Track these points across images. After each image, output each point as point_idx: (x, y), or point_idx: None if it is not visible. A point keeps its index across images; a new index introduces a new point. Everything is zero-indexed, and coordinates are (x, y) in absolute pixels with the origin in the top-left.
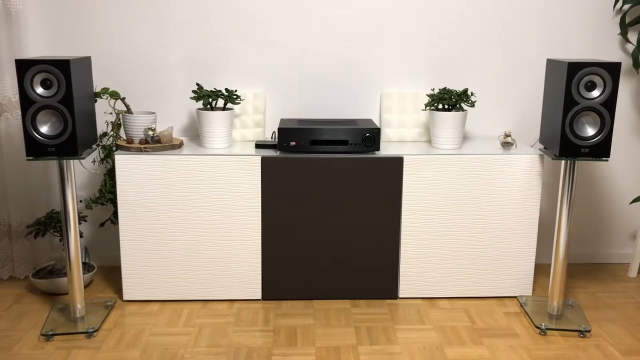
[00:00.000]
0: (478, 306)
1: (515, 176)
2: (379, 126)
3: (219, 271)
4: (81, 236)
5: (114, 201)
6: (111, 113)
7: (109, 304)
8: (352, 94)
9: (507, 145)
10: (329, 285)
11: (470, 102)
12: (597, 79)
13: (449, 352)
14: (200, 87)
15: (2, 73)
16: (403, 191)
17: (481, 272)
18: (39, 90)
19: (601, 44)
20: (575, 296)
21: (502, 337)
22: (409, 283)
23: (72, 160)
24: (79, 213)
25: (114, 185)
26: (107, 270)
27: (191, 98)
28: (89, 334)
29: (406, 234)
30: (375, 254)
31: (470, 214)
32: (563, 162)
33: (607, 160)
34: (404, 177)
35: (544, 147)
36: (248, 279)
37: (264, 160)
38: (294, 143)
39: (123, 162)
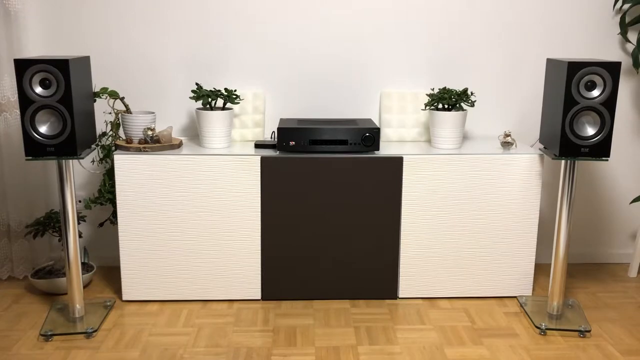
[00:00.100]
0: (478, 306)
1: (515, 176)
2: (378, 126)
3: (218, 271)
4: (80, 236)
5: (113, 201)
6: (110, 113)
7: (108, 304)
8: (352, 94)
9: (507, 145)
10: (328, 285)
11: (470, 101)
12: (597, 79)
13: (448, 352)
14: (199, 86)
15: (1, 73)
16: (403, 191)
17: (481, 272)
18: (38, 89)
19: (601, 43)
20: (575, 296)
21: (502, 337)
22: (408, 283)
23: (71, 160)
24: (78, 213)
25: (113, 185)
26: (106, 270)
27: (190, 98)
28: (88, 334)
29: (406, 234)
30: (375, 254)
31: (470, 213)
32: (563, 161)
33: (607, 160)
34: (403, 176)
35: (544, 147)
36: (247, 279)
37: (264, 160)
38: (294, 143)
39: (122, 162)
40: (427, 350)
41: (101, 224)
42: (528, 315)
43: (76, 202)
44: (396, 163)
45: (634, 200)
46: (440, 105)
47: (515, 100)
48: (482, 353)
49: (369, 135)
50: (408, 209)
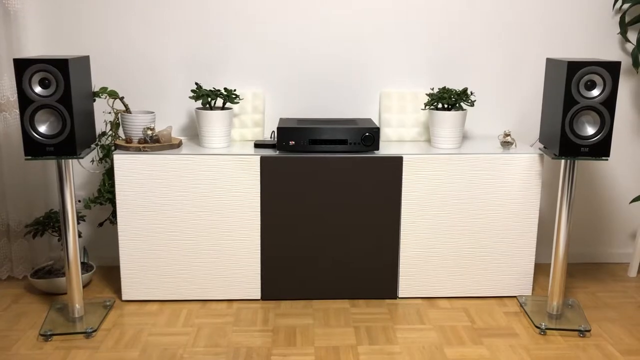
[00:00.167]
0: (478, 306)
1: (514, 176)
2: (378, 126)
3: (218, 271)
4: (80, 236)
5: (112, 201)
6: (110, 112)
7: (107, 304)
8: (352, 94)
9: (506, 144)
10: (328, 285)
11: (469, 101)
12: (597, 78)
13: (448, 352)
14: (199, 86)
15: (0, 72)
16: (402, 191)
17: (481, 271)
18: (37, 89)
19: (601, 43)
20: (575, 296)
21: (502, 337)
22: (408, 283)
23: (70, 160)
24: (77, 213)
25: (112, 185)
26: (105, 270)
27: (190, 97)
28: (87, 334)
29: (406, 234)
30: (374, 253)
31: (470, 213)
32: (563, 161)
33: (607, 160)
34: (403, 176)
35: (544, 147)
36: (247, 279)
37: (263, 160)
38: (293, 142)
39: (122, 161)
40: (426, 350)
41: (101, 224)
42: (528, 315)
43: (76, 201)
44: (396, 163)
45: (634, 200)
46: (439, 105)
47: (515, 100)
48: (482, 353)
49: (369, 135)
50: (408, 209)
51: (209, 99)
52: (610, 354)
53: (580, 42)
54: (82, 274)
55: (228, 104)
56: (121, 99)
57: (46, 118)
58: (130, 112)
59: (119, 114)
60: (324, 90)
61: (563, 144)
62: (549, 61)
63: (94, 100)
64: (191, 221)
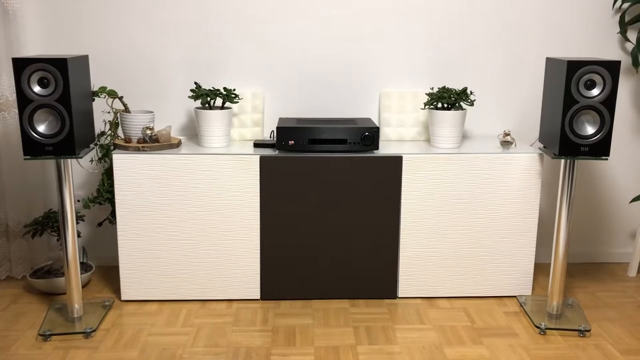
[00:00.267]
0: (477, 306)
1: (514, 175)
2: (377, 125)
3: (217, 271)
4: (79, 236)
5: (111, 201)
6: (109, 112)
7: (106, 303)
8: (352, 94)
9: (506, 144)
10: (328, 285)
11: (469, 101)
12: (597, 78)
13: (448, 351)
14: (198, 86)
15: None
16: (402, 190)
17: (480, 271)
18: (36, 89)
19: (601, 43)
20: (575, 296)
21: (502, 337)
22: (408, 282)
23: (69, 160)
24: (76, 212)
25: (111, 185)
26: (105, 270)
27: (189, 97)
28: (86, 334)
29: (405, 233)
30: (374, 253)
31: (470, 213)
32: (562, 161)
33: (606, 159)
34: (403, 176)
35: (544, 146)
36: (247, 279)
37: (263, 160)
38: (293, 142)
39: (121, 161)
40: (426, 350)
41: (100, 224)
42: (528, 315)
43: (75, 201)
44: (395, 162)
45: (634, 200)
46: (439, 105)
47: (515, 99)
48: (482, 353)
49: (368, 135)
50: (407, 208)
51: (208, 99)
52: (610, 354)
53: (580, 41)
54: (81, 273)
55: (227, 104)
56: (120, 98)
57: (45, 117)
58: (129, 112)
59: (118, 114)
60: (323, 90)
61: (563, 143)
62: (549, 61)
63: (93, 100)
64: (190, 221)
